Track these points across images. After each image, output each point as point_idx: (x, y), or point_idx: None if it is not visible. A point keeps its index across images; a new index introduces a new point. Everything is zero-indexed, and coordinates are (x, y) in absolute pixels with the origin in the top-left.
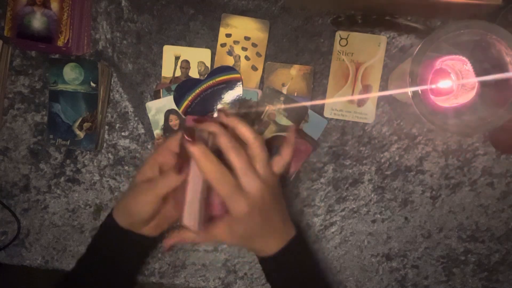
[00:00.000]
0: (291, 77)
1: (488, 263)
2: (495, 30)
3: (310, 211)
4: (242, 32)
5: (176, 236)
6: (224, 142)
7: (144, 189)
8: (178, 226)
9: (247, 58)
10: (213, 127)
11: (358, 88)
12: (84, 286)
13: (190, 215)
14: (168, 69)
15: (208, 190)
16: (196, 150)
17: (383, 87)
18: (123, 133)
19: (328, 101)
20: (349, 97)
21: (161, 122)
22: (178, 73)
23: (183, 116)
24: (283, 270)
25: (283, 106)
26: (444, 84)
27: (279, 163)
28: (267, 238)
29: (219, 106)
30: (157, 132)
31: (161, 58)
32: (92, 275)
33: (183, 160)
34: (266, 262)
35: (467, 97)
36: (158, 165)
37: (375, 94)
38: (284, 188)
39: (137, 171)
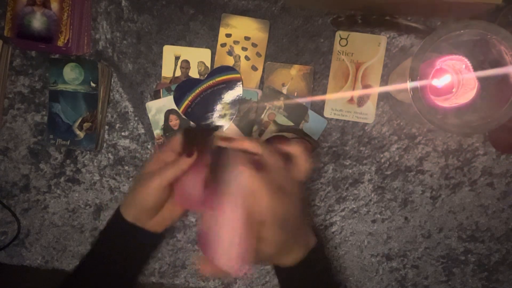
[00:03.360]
0: (291, 77)
1: (488, 263)
2: (495, 30)
3: (310, 211)
4: (242, 32)
5: (212, 271)
6: (271, 162)
7: (151, 177)
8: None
9: (247, 58)
10: (254, 148)
11: (358, 88)
12: (89, 282)
13: (230, 258)
14: (168, 69)
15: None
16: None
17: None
18: (123, 133)
19: (328, 98)
20: (350, 93)
21: (161, 122)
22: (178, 73)
23: (183, 116)
24: (299, 280)
25: (283, 106)
26: (444, 79)
27: (299, 171)
28: (291, 250)
29: (219, 106)
30: (157, 132)
31: (161, 58)
32: (97, 270)
33: (188, 153)
34: (283, 272)
35: (467, 97)
36: (162, 162)
37: (374, 90)
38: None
39: (143, 167)
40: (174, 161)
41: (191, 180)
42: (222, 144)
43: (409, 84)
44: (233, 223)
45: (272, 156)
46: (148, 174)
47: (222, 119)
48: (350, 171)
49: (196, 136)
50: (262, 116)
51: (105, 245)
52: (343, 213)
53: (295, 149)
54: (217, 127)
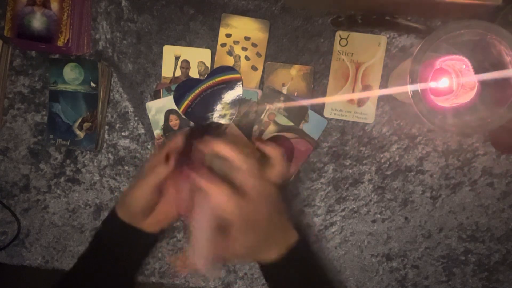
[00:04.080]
0: (291, 77)
1: (488, 263)
2: (495, 30)
3: (310, 211)
4: (242, 32)
5: (185, 268)
6: (242, 166)
7: (138, 182)
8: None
9: (247, 58)
10: (220, 149)
11: (358, 88)
12: (85, 281)
13: (200, 256)
14: (168, 69)
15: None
16: (204, 183)
17: (383, 87)
18: (123, 133)
19: (328, 100)
20: (350, 95)
21: (161, 122)
22: (178, 73)
23: (183, 116)
24: (283, 276)
25: (283, 106)
26: (443, 82)
27: (274, 174)
28: (266, 248)
29: (219, 106)
30: (157, 132)
31: (161, 58)
32: (93, 270)
33: (178, 155)
34: (267, 269)
35: (467, 97)
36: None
37: (375, 92)
38: (283, 190)
39: (140, 168)
40: (154, 167)
41: (181, 185)
42: (201, 148)
43: (409, 85)
44: (202, 225)
45: (243, 162)
46: (141, 175)
47: (222, 119)
48: (350, 171)
49: (198, 136)
50: (262, 116)
51: (102, 244)
52: (343, 213)
53: (272, 151)
54: (219, 125)
